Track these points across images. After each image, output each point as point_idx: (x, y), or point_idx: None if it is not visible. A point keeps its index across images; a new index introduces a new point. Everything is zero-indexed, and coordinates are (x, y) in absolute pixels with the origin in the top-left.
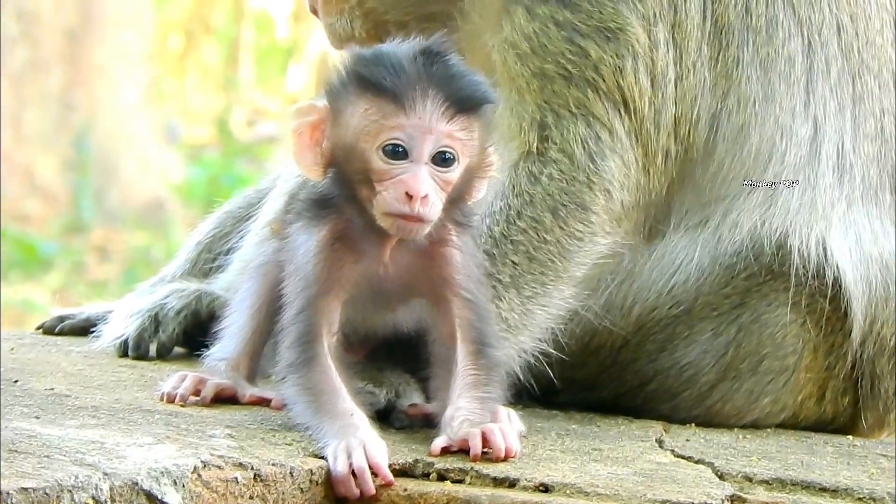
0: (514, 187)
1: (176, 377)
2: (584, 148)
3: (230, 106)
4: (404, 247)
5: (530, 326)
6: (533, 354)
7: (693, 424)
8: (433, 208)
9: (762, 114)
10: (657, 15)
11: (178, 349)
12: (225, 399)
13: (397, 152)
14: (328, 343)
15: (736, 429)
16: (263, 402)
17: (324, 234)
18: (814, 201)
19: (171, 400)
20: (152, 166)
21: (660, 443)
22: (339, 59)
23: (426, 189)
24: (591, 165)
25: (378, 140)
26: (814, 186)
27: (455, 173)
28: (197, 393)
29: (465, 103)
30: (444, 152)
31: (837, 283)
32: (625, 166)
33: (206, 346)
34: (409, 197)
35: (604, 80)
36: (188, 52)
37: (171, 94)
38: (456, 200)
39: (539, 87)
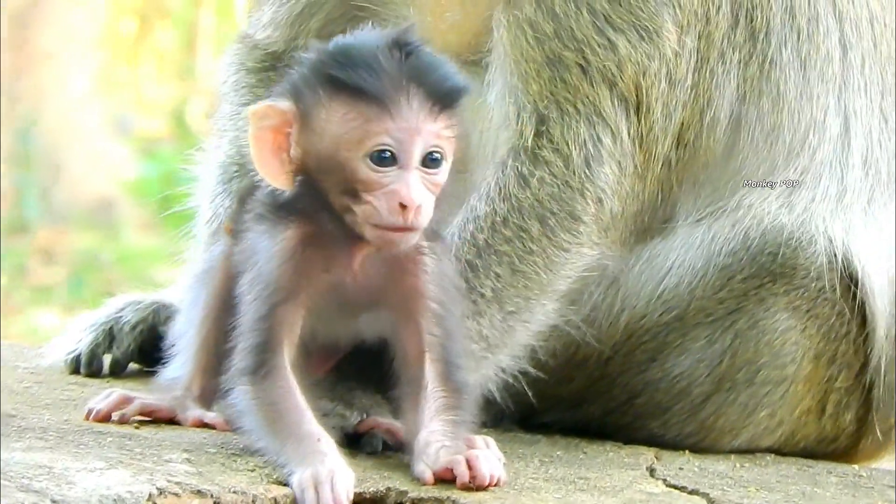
0: (500, 189)
1: (103, 393)
2: (580, 150)
3: (187, 96)
4: (375, 256)
5: (511, 344)
6: (512, 374)
7: (687, 451)
8: (425, 217)
9: (797, 112)
10: (689, 23)
11: (133, 366)
12: (163, 421)
13: (385, 158)
14: (289, 355)
15: (733, 456)
16: (206, 426)
17: (291, 240)
18: (840, 196)
19: (98, 418)
20: (102, 161)
21: (651, 471)
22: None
23: (420, 198)
24: (587, 171)
25: (363, 147)
26: (840, 180)
27: (444, 174)
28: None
29: (448, 98)
30: (433, 153)
31: (855, 281)
32: (620, 172)
33: (163, 363)
34: (403, 207)
35: (623, 78)
36: (142, 37)
37: (123, 82)
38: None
39: (549, 76)
